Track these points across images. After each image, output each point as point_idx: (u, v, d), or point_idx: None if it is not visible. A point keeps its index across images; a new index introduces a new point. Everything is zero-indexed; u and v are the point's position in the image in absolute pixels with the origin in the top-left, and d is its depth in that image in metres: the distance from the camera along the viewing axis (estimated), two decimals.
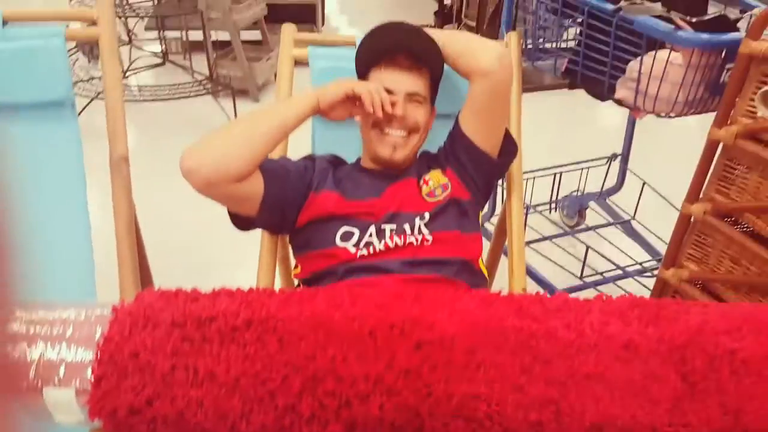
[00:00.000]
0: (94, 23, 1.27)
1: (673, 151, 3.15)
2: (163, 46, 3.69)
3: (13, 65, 1.24)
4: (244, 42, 3.42)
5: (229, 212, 1.16)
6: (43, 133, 1.29)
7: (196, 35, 3.62)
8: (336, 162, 1.28)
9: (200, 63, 3.54)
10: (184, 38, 3.77)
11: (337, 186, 1.19)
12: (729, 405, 0.68)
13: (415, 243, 1.13)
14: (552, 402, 0.67)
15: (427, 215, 1.16)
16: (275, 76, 3.78)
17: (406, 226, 1.14)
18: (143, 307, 0.71)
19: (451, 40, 1.20)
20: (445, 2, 4.63)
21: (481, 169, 1.23)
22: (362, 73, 1.24)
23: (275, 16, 3.79)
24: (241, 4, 3.38)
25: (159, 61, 3.68)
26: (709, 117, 1.39)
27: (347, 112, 1.17)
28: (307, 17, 4.18)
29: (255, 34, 3.80)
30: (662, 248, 2.05)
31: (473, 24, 4.29)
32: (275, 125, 1.09)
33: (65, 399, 0.65)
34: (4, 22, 1.25)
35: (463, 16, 4.51)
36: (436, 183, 1.20)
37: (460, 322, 0.74)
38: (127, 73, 3.51)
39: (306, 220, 1.17)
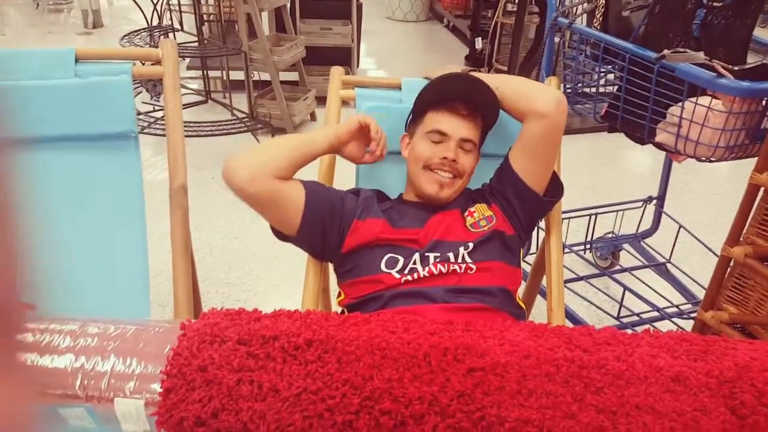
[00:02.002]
0: (158, 62, 1.36)
1: (704, 194, 3.14)
2: (207, 85, 3.82)
3: (85, 99, 1.32)
4: (283, 82, 3.54)
5: (271, 227, 1.22)
6: (109, 161, 1.37)
7: (235, 75, 3.76)
8: (379, 196, 1.32)
9: (240, 101, 3.67)
10: (225, 77, 3.91)
11: (383, 214, 1.23)
12: None
13: (458, 270, 1.15)
14: (603, 430, 0.68)
15: (470, 244, 1.18)
16: (311, 115, 3.87)
17: (450, 255, 1.16)
18: (210, 325, 0.74)
19: (510, 83, 1.25)
20: (476, 47, 4.69)
21: (527, 206, 1.25)
22: (418, 113, 1.29)
23: (312, 59, 3.92)
24: (281, 47, 3.51)
25: (202, 98, 3.81)
26: (742, 161, 1.40)
27: (359, 151, 1.27)
28: (343, 60, 4.30)
29: (293, 75, 3.92)
30: (697, 291, 2.04)
31: (504, 69, 4.34)
32: (293, 144, 1.20)
33: (134, 409, 0.68)
34: (77, 60, 1.34)
35: (494, 60, 4.57)
36: (481, 215, 1.23)
37: (512, 351, 0.76)
38: None
39: (352, 246, 1.20)
